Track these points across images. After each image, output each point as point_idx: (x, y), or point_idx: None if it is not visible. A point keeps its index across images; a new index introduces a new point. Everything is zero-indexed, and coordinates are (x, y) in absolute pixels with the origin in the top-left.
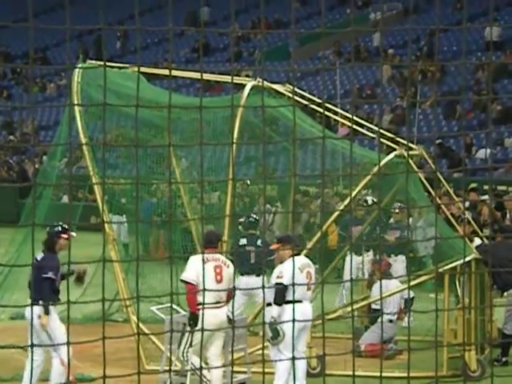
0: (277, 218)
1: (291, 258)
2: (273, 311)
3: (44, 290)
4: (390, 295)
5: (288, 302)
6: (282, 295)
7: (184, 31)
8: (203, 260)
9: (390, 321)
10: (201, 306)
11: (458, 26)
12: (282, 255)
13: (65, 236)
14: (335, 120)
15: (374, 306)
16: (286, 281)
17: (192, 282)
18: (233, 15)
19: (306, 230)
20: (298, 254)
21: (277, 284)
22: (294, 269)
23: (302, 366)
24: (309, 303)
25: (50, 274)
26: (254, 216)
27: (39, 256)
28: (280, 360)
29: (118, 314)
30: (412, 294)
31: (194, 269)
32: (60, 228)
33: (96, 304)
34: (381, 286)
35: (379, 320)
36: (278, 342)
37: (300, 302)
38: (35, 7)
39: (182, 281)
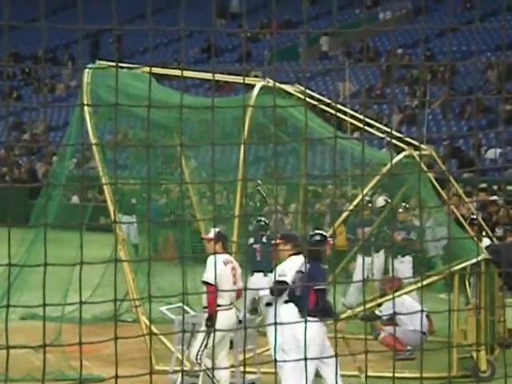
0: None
1: (291, 257)
2: (265, 297)
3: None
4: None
5: (287, 302)
6: (281, 291)
7: (193, 32)
8: (224, 262)
9: (424, 333)
10: (217, 308)
11: (469, 25)
12: (282, 253)
13: (329, 242)
14: (345, 121)
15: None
16: (288, 279)
17: (213, 283)
18: (244, 15)
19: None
20: (298, 254)
21: (278, 282)
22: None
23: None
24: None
25: (323, 286)
26: (264, 219)
27: (302, 267)
28: (284, 361)
29: (127, 314)
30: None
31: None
32: (322, 236)
33: (105, 304)
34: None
35: (406, 327)
36: (254, 318)
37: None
38: (45, 7)
39: (204, 282)
